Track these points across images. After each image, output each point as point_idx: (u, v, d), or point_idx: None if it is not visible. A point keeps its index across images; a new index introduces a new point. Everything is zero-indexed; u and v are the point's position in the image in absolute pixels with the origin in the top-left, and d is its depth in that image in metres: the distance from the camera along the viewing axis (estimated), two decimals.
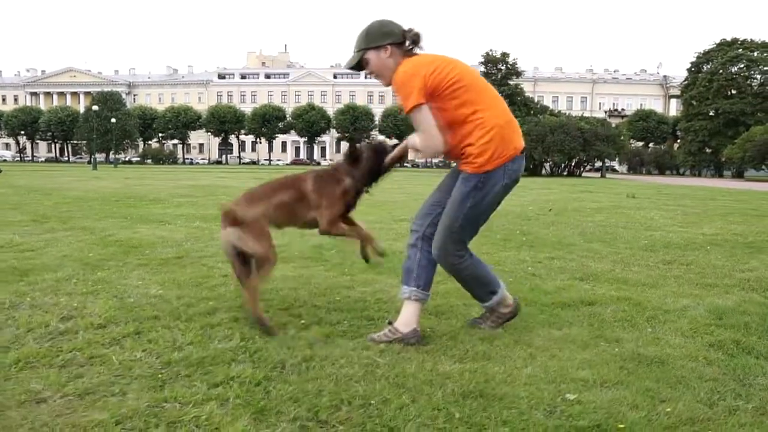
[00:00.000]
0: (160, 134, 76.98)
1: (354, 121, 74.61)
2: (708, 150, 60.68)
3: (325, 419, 1.76)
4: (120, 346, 2.35)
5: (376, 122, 76.21)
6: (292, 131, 78.15)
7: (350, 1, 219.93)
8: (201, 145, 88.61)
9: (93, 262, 4.21)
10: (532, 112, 47.95)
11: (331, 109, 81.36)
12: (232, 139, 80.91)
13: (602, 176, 44.34)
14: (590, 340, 2.65)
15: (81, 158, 75.63)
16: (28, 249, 4.76)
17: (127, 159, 72.53)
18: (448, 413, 1.82)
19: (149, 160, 72.68)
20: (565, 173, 43.79)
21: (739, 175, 58.14)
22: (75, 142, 75.99)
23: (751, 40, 61.06)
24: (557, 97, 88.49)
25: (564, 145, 40.80)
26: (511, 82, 48.97)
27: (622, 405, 1.93)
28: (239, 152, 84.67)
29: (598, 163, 49.95)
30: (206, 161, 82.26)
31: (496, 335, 2.66)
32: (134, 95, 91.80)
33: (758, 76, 59.63)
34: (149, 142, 77.98)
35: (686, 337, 2.75)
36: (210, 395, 1.87)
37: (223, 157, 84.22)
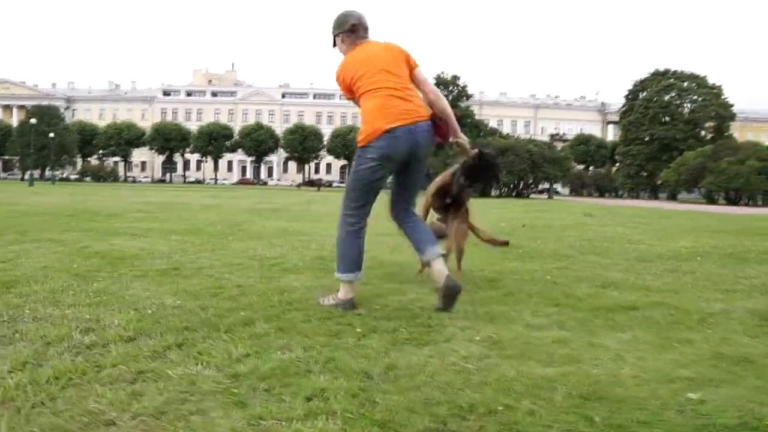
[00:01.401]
0: (100, 151, 74.01)
1: (303, 140, 74.18)
2: (644, 173, 63.66)
3: (455, 429, 1.53)
4: (167, 360, 2.04)
5: (325, 142, 75.95)
6: (240, 150, 76.87)
7: (298, 22, 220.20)
8: (143, 163, 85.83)
9: (82, 273, 3.79)
10: (481, 134, 48.98)
11: (279, 129, 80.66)
12: (177, 157, 78.74)
13: (549, 197, 45.60)
14: (662, 341, 2.54)
15: (13, 174, 71.56)
16: None
17: (64, 176, 69.09)
18: (585, 417, 1.64)
19: (88, 178, 69.55)
20: (513, 194, 44.78)
21: (672, 197, 61.19)
22: (7, 157, 71.96)
23: (681, 71, 64.89)
24: (502, 120, 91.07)
25: (513, 166, 41.79)
26: (461, 104, 49.96)
27: (747, 402, 1.81)
28: (184, 171, 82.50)
29: (542, 185, 51.52)
30: (149, 179, 79.55)
31: (566, 338, 2.50)
32: (73, 110, 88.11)
33: (688, 105, 63.30)
34: (88, 159, 74.80)
35: (751, 336, 2.68)
36: (310, 409, 1.60)
37: (167, 175, 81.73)
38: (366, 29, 3.16)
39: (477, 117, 62.28)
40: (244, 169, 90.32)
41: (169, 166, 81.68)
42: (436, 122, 3.00)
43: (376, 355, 2.16)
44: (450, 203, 3.66)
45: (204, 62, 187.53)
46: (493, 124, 78.32)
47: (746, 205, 41.48)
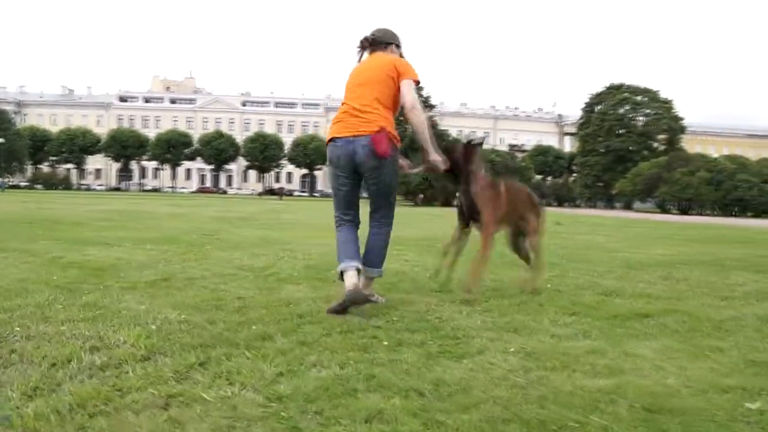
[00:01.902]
0: (52, 158, 71.20)
1: (263, 149, 73.24)
2: (601, 183, 65.43)
3: None
4: (195, 381, 1.86)
5: (286, 151, 75.20)
6: (199, 158, 75.31)
7: (258, 30, 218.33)
8: (98, 171, 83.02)
9: (65, 286, 3.53)
10: (443, 144, 49.27)
11: (239, 137, 79.48)
12: (133, 165, 76.59)
13: None
14: (693, 349, 2.50)
15: None
16: None
17: (13, 183, 66.17)
18: (661, 430, 1.56)
19: (40, 185, 66.80)
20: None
21: (628, 206, 63.07)
22: None
23: (635, 86, 67.17)
24: (462, 131, 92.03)
25: None
26: None
27: None
28: (140, 179, 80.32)
29: None
30: (104, 187, 77.01)
31: (600, 349, 2.43)
32: (24, 115, 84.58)
33: (641, 118, 65.48)
34: (40, 165, 71.91)
35: None
36: None
37: (123, 183, 79.35)
38: (381, 43, 3.34)
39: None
40: (203, 177, 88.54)
41: (125, 174, 79.34)
42: (372, 137, 3.05)
43: (416, 370, 2.04)
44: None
45: (162, 69, 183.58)
46: (453, 134, 79.13)
47: (697, 214, 43.06)
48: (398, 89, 3.14)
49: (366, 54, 3.36)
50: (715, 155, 58.34)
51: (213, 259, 5.15)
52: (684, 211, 45.16)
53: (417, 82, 3.17)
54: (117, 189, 76.22)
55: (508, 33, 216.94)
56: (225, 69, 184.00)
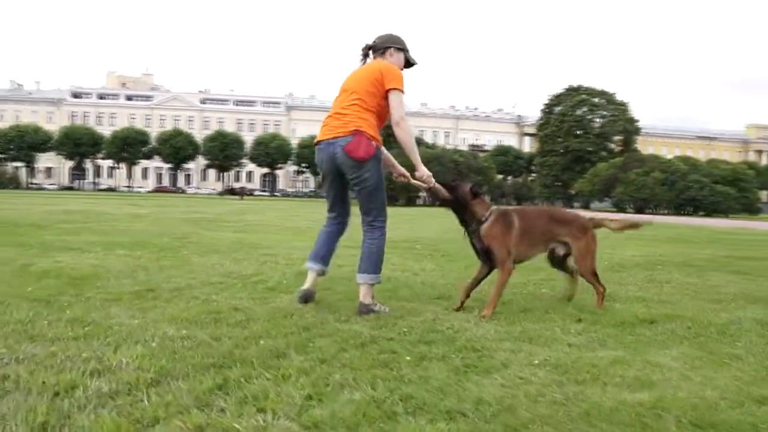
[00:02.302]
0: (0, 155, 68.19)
1: (224, 148, 71.81)
2: (559, 183, 66.83)
3: None
4: (220, 409, 1.71)
5: (247, 150, 73.97)
6: (156, 157, 73.32)
7: (217, 27, 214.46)
8: (50, 169, 79.82)
9: (43, 298, 3.29)
10: None
11: (198, 135, 77.77)
12: (87, 163, 74.01)
13: None
14: (711, 357, 2.52)
15: None
16: None
17: None
18: None
19: None
20: (437, 204, 45.27)
21: (585, 206, 64.64)
22: None
23: (592, 87, 68.87)
24: (423, 131, 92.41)
25: (439, 176, 41.69)
26: None
27: None
28: (95, 178, 77.67)
29: None
30: (56, 186, 74.03)
31: (622, 359, 2.40)
32: None
33: (599, 119, 67.17)
34: None
35: None
36: None
37: (76, 182, 76.57)
38: (379, 49, 3.41)
39: None
40: (160, 176, 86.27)
41: (78, 172, 76.53)
42: (346, 146, 3.12)
43: (449, 387, 1.94)
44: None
45: (117, 64, 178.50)
46: (414, 134, 79.27)
47: (652, 213, 44.44)
48: (384, 96, 3.18)
49: (368, 61, 3.43)
50: (668, 156, 60.44)
51: (194, 266, 4.94)
52: (639, 211, 46.50)
53: (401, 91, 3.19)
54: (70, 188, 73.33)
55: (468, 33, 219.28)
56: (183, 66, 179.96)
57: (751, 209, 46.38)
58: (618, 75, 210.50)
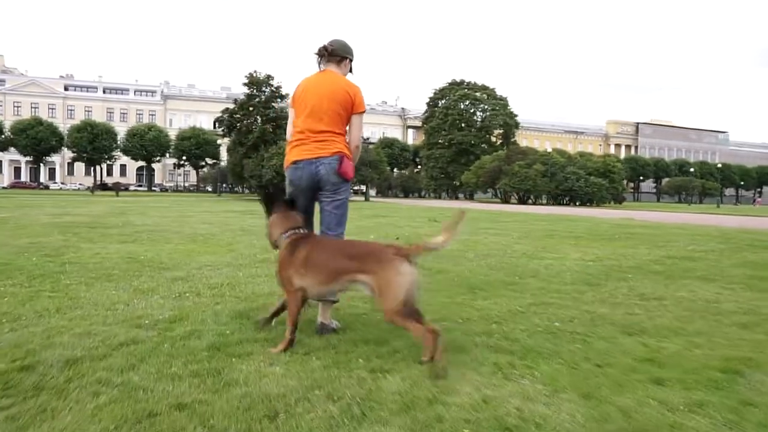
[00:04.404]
0: None
1: (93, 139, 65.37)
2: (443, 176, 68.52)
3: None
4: None
5: (119, 142, 68.01)
6: (12, 149, 65.18)
7: (79, 6, 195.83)
8: None
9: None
10: None
11: (62, 126, 70.30)
12: None
13: (366, 200, 46.35)
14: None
15: None
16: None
17: None
18: None
19: None
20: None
21: (470, 197, 66.95)
22: None
23: (474, 82, 71.28)
24: None
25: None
26: (275, 105, 48.11)
27: None
28: None
29: (356, 187, 52.28)
30: None
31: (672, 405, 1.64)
32: None
33: (480, 113, 69.71)
34: None
35: None
36: None
37: None
38: (337, 56, 3.46)
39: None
40: (18, 170, 77.06)
41: None
42: (339, 169, 3.31)
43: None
44: None
45: None
46: None
47: (534, 204, 46.75)
48: (349, 117, 3.39)
49: (322, 65, 3.47)
50: (540, 149, 64.08)
51: (84, 306, 3.62)
52: (522, 201, 48.76)
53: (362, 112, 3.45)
54: None
55: (356, 27, 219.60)
56: (41, 48, 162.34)
57: (618, 199, 50.33)
58: (495, 71, 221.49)
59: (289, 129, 3.44)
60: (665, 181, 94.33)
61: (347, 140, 3.39)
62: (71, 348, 2.67)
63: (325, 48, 3.43)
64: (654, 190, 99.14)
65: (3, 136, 62.94)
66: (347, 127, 3.40)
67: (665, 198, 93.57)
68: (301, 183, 3.32)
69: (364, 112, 3.43)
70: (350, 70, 3.55)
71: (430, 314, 3.49)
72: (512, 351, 2.80)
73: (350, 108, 3.35)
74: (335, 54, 3.44)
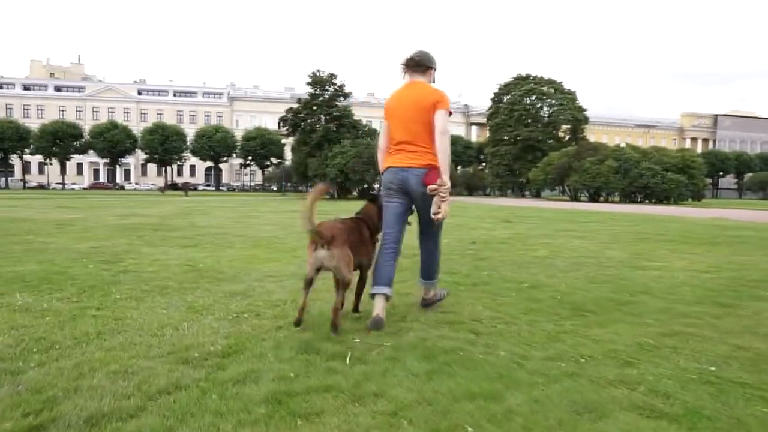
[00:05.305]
0: None
1: (163, 141, 67.86)
2: (510, 173, 66.58)
3: None
4: None
5: (188, 143, 70.19)
6: (91, 151, 68.51)
7: (152, 15, 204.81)
8: None
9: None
10: (360, 134, 47.57)
11: (136, 128, 73.33)
12: (14, 159, 68.37)
13: None
14: None
15: None
16: None
17: None
18: None
19: None
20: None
21: (537, 195, 64.73)
22: None
23: (541, 77, 68.85)
24: (371, 120, 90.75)
25: None
26: (339, 104, 48.04)
27: None
28: (23, 175, 71.98)
29: None
30: None
31: None
32: None
33: (547, 108, 67.25)
34: None
35: None
36: None
37: (2, 180, 70.67)
38: (422, 66, 3.61)
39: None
40: (96, 172, 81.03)
41: (3, 169, 70.58)
42: (425, 179, 3.46)
43: None
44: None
45: (43, 53, 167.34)
46: (363, 122, 77.50)
47: (606, 201, 44.47)
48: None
49: (407, 76, 3.61)
50: (610, 144, 61.05)
51: (128, 329, 3.13)
52: (593, 198, 46.51)
53: (450, 113, 3.52)
54: None
55: (414, 23, 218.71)
56: (117, 55, 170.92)
57: (697, 196, 47.17)
58: (561, 66, 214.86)
59: (382, 140, 3.67)
60: (748, 176, 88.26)
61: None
62: (99, 397, 2.14)
63: (411, 59, 3.58)
64: (735, 186, 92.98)
65: (83, 140, 66.23)
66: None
67: (747, 194, 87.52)
68: (392, 185, 3.57)
69: (447, 109, 3.47)
70: (433, 80, 3.67)
71: (538, 350, 2.77)
72: (672, 416, 2.04)
73: (434, 111, 3.47)
74: (421, 65, 3.59)
